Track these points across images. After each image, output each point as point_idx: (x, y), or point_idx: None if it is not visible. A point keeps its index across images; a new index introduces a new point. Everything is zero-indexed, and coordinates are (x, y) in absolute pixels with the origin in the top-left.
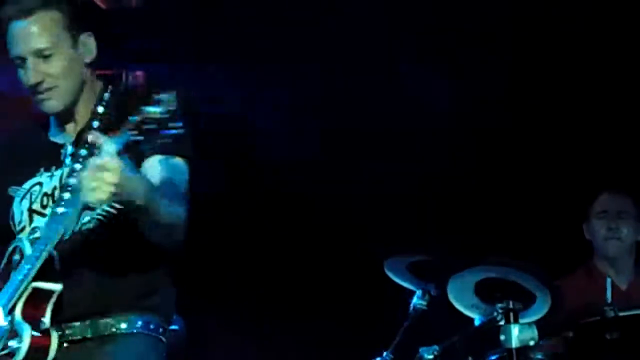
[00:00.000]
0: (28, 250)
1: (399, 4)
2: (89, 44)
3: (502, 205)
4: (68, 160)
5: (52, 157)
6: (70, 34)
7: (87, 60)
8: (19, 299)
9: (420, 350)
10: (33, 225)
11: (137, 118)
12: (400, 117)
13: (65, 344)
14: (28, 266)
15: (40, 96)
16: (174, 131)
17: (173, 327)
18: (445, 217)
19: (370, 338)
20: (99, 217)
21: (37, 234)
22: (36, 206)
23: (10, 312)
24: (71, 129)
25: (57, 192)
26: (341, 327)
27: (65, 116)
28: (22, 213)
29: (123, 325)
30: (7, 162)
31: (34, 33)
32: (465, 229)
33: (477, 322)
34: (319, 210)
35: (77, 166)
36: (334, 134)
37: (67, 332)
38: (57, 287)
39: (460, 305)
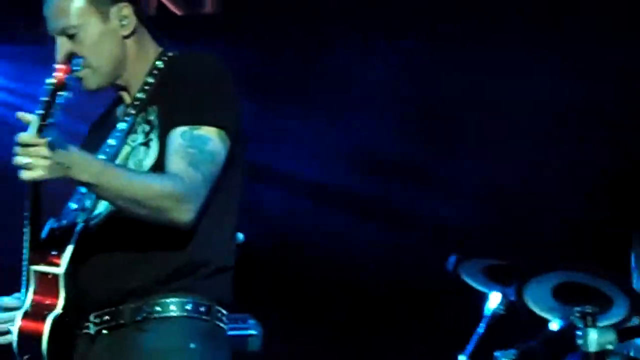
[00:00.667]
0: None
1: None
2: (124, 15)
3: (579, 208)
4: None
5: (109, 123)
6: (98, 9)
7: (125, 32)
8: (30, 283)
9: (497, 354)
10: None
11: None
12: (481, 116)
13: (104, 331)
14: None
15: (75, 75)
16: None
17: (250, 332)
18: (522, 220)
19: (445, 342)
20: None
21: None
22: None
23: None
24: (125, 95)
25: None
26: (416, 331)
27: (120, 89)
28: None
29: (157, 308)
30: (92, 138)
31: (58, 11)
32: (543, 231)
33: (554, 326)
34: (396, 211)
35: (112, 142)
36: (409, 129)
37: (103, 318)
38: (59, 270)
39: (537, 309)
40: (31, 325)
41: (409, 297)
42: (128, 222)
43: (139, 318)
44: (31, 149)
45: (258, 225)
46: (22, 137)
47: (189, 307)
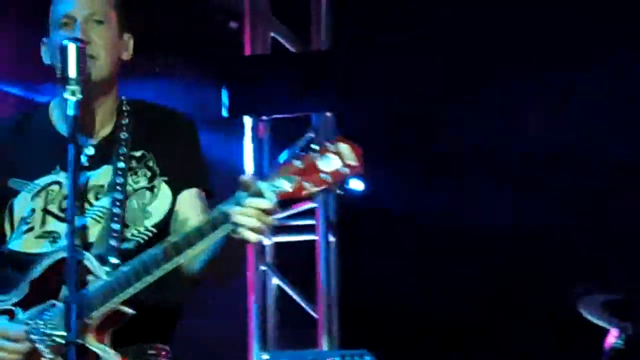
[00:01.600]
0: (97, 267)
1: None
2: (129, 44)
3: None
4: (84, 162)
5: (66, 155)
6: (119, 22)
7: (124, 56)
8: (97, 317)
9: None
10: (48, 228)
11: (301, 163)
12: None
13: None
14: (113, 288)
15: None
16: (357, 189)
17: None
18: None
19: None
20: (139, 238)
21: (59, 241)
22: (53, 208)
23: (84, 330)
24: (90, 128)
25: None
26: None
27: (85, 111)
28: (33, 211)
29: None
30: (8, 149)
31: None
32: None
33: None
34: (512, 247)
35: (120, 179)
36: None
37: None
38: (131, 311)
39: None
40: None
41: (528, 333)
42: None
43: None
44: (267, 218)
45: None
46: (266, 205)
47: None
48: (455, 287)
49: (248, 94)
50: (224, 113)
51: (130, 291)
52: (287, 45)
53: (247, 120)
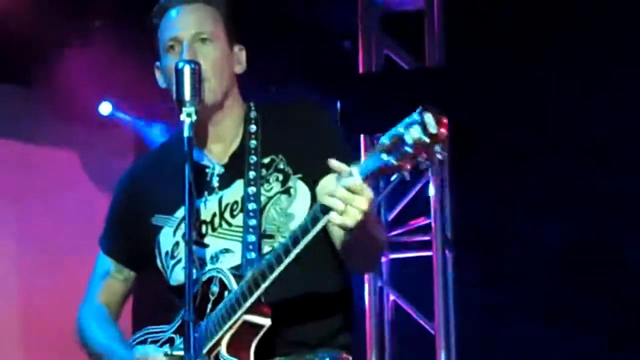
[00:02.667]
0: (232, 282)
1: None
2: (241, 56)
3: None
4: (215, 183)
5: (199, 181)
6: (227, 35)
7: (237, 70)
8: (226, 332)
9: None
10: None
11: (388, 139)
12: None
13: None
14: (237, 298)
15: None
16: (438, 155)
17: None
18: None
19: None
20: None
21: (205, 266)
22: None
23: (215, 346)
24: (219, 148)
25: (216, 220)
26: None
27: (210, 132)
28: (177, 244)
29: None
30: (150, 187)
31: (195, 18)
32: None
33: None
34: None
35: (252, 189)
36: None
37: None
38: (267, 321)
39: None
40: None
41: None
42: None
43: None
44: (357, 198)
45: None
46: (353, 183)
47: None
48: (575, 305)
49: (362, 112)
50: None
51: (251, 301)
52: (401, 63)
53: (362, 139)
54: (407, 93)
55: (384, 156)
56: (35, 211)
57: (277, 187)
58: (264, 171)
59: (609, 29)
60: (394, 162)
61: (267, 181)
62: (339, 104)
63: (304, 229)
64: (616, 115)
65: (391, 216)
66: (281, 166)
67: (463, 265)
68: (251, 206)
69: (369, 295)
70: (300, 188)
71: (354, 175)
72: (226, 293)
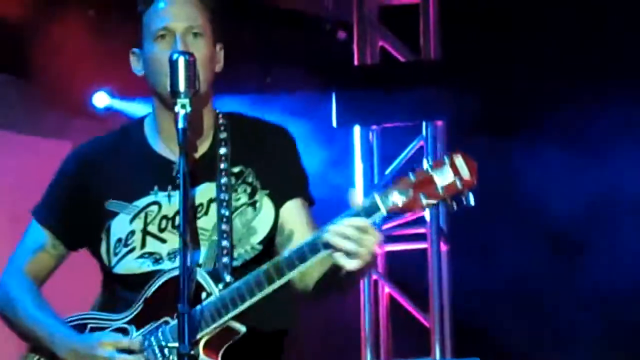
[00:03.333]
0: (211, 284)
1: None
2: (221, 55)
3: None
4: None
5: (164, 175)
6: (213, 33)
7: (217, 68)
8: (209, 332)
9: None
10: (148, 249)
11: (414, 177)
12: None
13: None
14: (226, 302)
15: None
16: (470, 202)
17: None
18: None
19: None
20: (246, 256)
21: (162, 263)
22: (152, 229)
23: (195, 345)
24: (188, 145)
25: (178, 218)
26: None
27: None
28: (132, 233)
29: None
30: (105, 171)
31: (188, 11)
32: None
33: None
34: None
35: (224, 196)
36: None
37: None
38: (243, 328)
39: None
40: None
41: None
42: None
43: None
44: (365, 237)
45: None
46: (360, 223)
47: None
48: (569, 295)
49: (357, 103)
50: (334, 123)
51: (237, 311)
52: (397, 55)
53: (357, 130)
54: (403, 85)
55: (411, 193)
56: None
57: (244, 198)
58: (233, 179)
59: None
60: (422, 201)
61: (235, 191)
62: (333, 95)
63: (301, 256)
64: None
65: None
66: (249, 179)
67: (458, 258)
68: (224, 212)
69: (364, 288)
70: (265, 204)
71: (380, 208)
72: (203, 295)
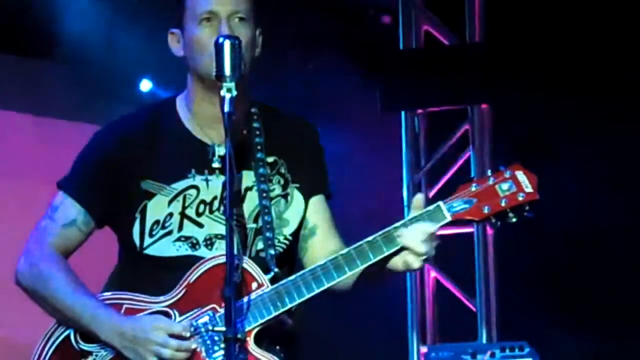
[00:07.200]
0: (262, 275)
1: None
2: (259, 40)
3: None
4: (217, 164)
5: (201, 158)
6: (255, 17)
7: (256, 53)
8: (268, 321)
9: None
10: (185, 233)
11: (476, 188)
12: None
13: None
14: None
15: None
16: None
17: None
18: None
19: None
20: (279, 247)
21: (198, 249)
22: (190, 212)
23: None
24: (218, 130)
25: (216, 203)
26: None
27: (212, 112)
28: (170, 215)
29: None
30: (140, 150)
31: None
32: None
33: None
34: None
35: (264, 186)
36: None
37: None
38: (289, 321)
39: None
40: None
41: None
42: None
43: None
44: (434, 243)
45: None
46: (432, 229)
47: None
48: (614, 280)
49: (403, 88)
50: (380, 108)
51: (294, 304)
52: (441, 38)
53: (403, 115)
54: (447, 69)
55: (476, 202)
56: None
57: (278, 189)
58: (268, 169)
59: None
60: (486, 211)
61: (270, 181)
62: (379, 81)
63: (363, 254)
64: None
65: (432, 192)
66: (282, 170)
67: (504, 242)
68: (265, 203)
69: (410, 273)
70: (296, 197)
71: (445, 216)
72: (254, 285)
